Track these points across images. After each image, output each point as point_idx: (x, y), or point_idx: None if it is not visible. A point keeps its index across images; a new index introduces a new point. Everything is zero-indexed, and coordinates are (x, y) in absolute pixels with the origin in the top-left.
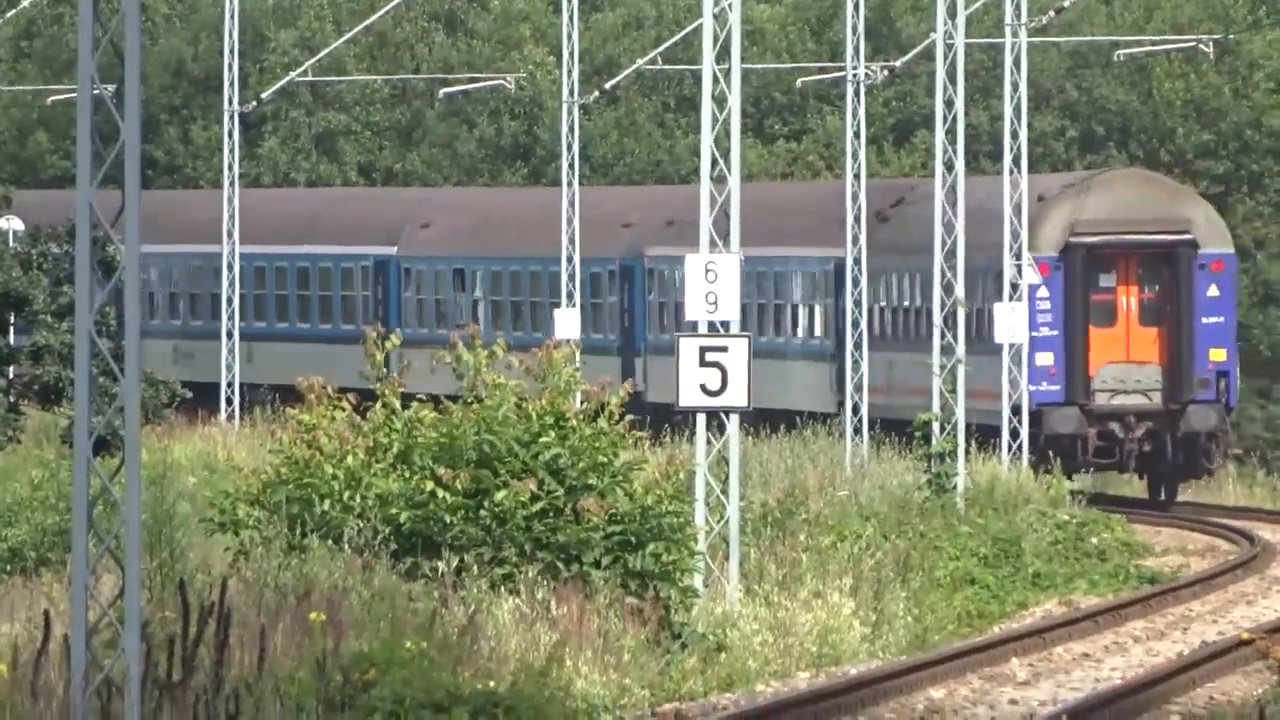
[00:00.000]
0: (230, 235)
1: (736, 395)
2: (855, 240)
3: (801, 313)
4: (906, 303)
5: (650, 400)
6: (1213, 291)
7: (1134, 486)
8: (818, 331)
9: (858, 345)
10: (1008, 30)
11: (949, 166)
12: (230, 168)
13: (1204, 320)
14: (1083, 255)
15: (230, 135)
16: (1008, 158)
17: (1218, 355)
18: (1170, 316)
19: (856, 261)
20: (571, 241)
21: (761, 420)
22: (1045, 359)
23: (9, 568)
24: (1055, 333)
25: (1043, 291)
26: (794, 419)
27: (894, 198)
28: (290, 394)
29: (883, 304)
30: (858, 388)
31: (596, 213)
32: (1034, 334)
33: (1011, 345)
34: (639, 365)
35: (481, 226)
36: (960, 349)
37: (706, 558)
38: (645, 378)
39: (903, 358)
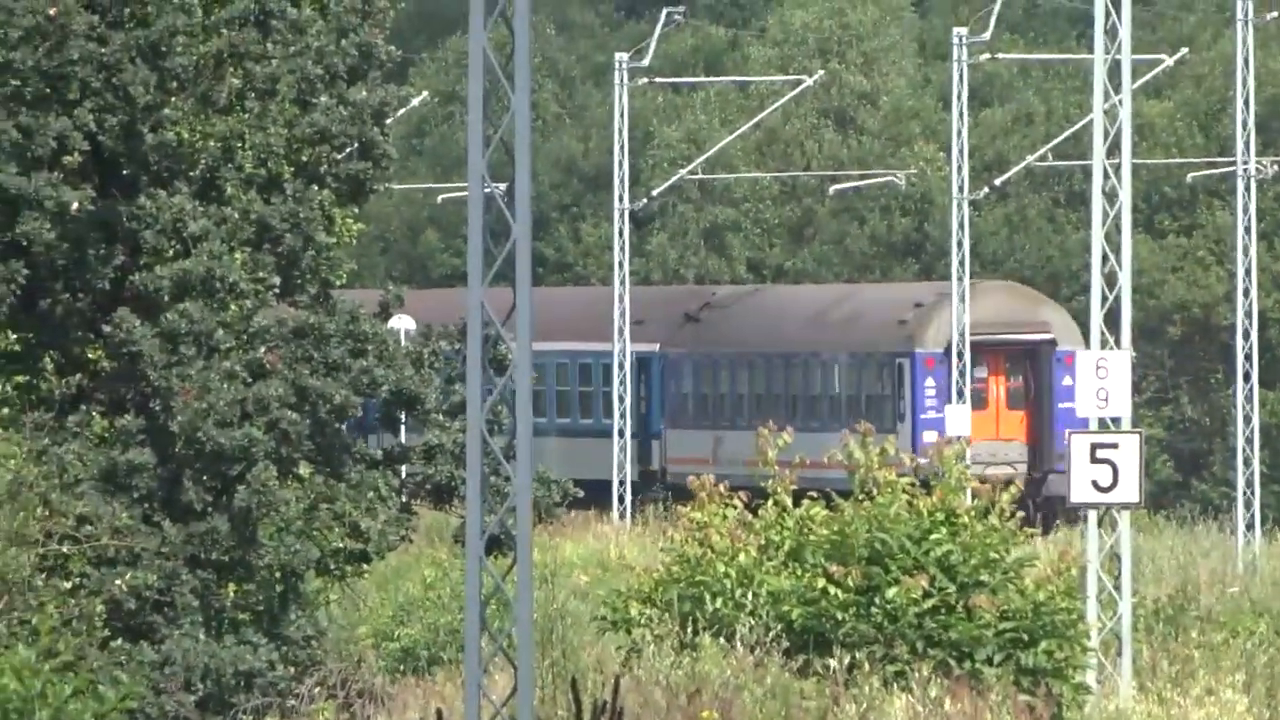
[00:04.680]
0: (621, 333)
1: (1128, 491)
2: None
3: (599, 398)
4: (729, 388)
5: None
6: (1067, 381)
7: None
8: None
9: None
10: None
11: None
12: (620, 265)
13: (1060, 405)
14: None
15: (620, 233)
16: None
17: None
18: (1033, 402)
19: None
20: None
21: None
22: (931, 435)
23: (402, 667)
24: (940, 415)
25: (929, 381)
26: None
27: (699, 302)
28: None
29: (708, 390)
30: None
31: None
32: (922, 415)
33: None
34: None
35: None
36: None
37: (1099, 654)
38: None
39: (730, 435)
